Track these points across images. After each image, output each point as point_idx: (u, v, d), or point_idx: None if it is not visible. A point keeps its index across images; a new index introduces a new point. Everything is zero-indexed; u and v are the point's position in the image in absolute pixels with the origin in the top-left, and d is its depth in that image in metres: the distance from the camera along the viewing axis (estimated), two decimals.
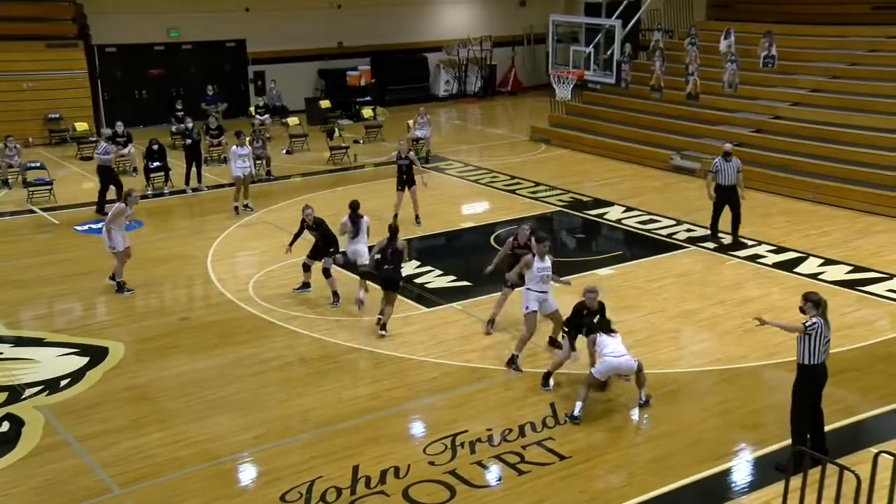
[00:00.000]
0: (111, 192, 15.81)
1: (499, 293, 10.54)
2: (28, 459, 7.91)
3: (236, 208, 15.57)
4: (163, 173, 17.42)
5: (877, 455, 6.39)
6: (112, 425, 8.45)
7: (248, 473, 7.72)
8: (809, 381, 7.29)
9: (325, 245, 11.38)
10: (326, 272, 11.29)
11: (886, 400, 8.63)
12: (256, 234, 14.59)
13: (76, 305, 11.75)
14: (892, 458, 6.18)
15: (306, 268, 11.52)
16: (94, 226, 15.21)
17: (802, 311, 7.36)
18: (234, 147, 15.72)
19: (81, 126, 21.30)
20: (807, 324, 7.17)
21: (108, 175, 16.03)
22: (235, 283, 12.25)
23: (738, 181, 13.10)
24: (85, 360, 9.91)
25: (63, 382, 9.36)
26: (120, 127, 18.77)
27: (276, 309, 11.22)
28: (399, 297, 11.56)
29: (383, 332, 10.25)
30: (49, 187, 16.82)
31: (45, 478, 7.60)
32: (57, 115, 21.86)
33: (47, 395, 9.09)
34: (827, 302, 7.36)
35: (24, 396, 9.04)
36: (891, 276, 11.94)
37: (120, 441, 8.14)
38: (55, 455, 7.95)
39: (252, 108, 22.74)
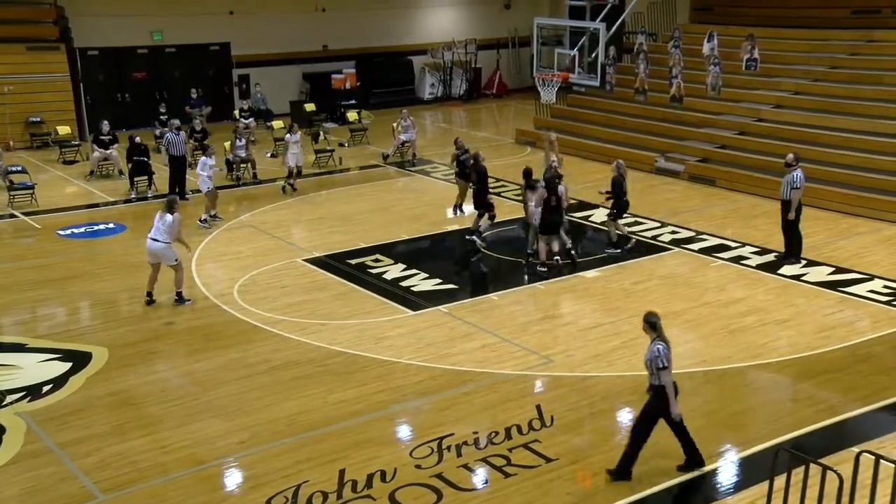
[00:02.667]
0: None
1: (483, 296, 10.53)
2: (9, 467, 7.82)
3: (215, 216, 15.24)
4: (146, 177, 17.31)
5: (858, 455, 6.44)
6: (95, 431, 8.38)
7: (233, 478, 7.67)
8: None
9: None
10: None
11: (868, 400, 8.71)
12: (241, 237, 14.52)
13: (59, 310, 11.65)
14: (873, 457, 6.24)
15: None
16: (76, 230, 15.11)
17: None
18: (203, 158, 15.13)
19: (64, 130, 21.12)
20: (659, 366, 7.03)
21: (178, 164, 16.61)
22: (220, 286, 12.19)
23: (790, 196, 12.28)
24: (67, 365, 9.81)
25: (45, 388, 9.26)
26: (105, 126, 18.62)
27: (261, 312, 11.17)
28: (384, 300, 11.55)
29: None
30: (31, 191, 16.67)
31: (27, 485, 7.52)
32: (38, 119, 21.66)
33: (29, 401, 9.00)
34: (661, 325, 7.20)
35: (5, 403, 8.94)
36: (872, 278, 12.05)
37: (103, 447, 8.07)
38: (37, 462, 7.87)
39: (236, 112, 22.65)
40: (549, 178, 12.71)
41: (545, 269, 12.44)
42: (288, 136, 17.09)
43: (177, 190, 16.61)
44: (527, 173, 13.05)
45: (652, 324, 7.21)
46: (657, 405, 7.23)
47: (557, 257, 12.59)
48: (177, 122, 17.62)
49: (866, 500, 6.26)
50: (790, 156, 12.72)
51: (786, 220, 12.56)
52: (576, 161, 19.57)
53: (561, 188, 12.63)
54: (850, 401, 8.70)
